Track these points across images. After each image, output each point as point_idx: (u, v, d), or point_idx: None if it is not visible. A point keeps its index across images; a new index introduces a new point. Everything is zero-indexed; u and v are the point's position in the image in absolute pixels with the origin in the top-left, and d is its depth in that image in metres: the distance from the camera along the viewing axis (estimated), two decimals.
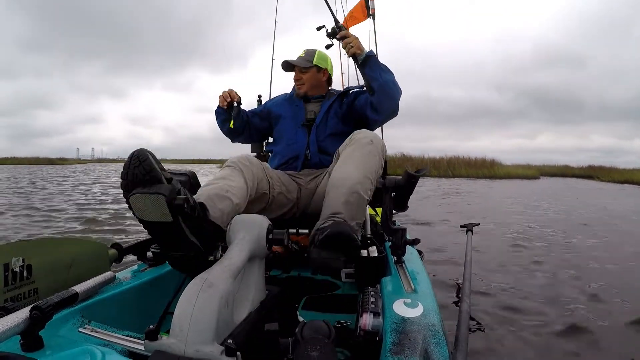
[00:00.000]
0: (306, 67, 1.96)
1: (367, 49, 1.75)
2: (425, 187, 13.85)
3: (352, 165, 1.42)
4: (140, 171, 0.94)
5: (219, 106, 1.89)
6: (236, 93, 1.85)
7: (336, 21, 1.79)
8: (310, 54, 1.99)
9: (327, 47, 1.94)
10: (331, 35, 1.79)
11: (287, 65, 2.01)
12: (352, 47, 1.71)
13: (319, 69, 1.99)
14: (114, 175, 21.18)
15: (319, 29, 1.88)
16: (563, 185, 18.48)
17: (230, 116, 1.88)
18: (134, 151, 0.96)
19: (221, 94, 1.86)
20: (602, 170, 29.03)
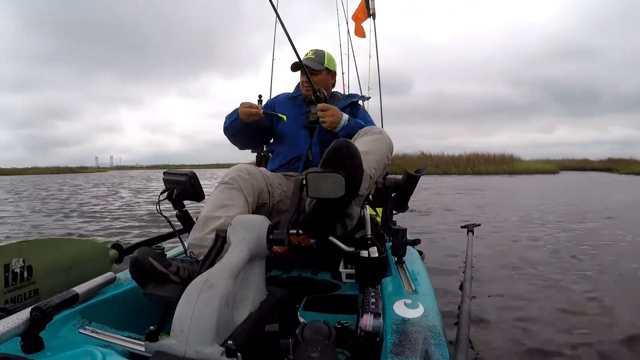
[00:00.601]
0: (318, 70, 1.93)
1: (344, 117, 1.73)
2: (451, 184, 13.89)
3: (359, 147, 1.42)
4: (146, 273, 1.01)
5: (241, 119, 1.80)
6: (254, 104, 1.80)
7: (314, 90, 1.77)
8: (320, 55, 1.96)
9: (310, 123, 1.87)
10: (309, 103, 1.79)
11: (297, 66, 1.94)
12: (324, 122, 1.70)
13: (328, 71, 1.98)
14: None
15: (306, 98, 1.84)
16: (584, 179, 18.04)
17: (251, 127, 1.84)
18: (134, 256, 1.01)
19: (245, 109, 1.77)
20: (622, 162, 28.26)
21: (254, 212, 1.49)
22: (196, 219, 1.73)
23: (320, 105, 1.71)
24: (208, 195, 1.51)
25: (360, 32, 3.58)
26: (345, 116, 1.75)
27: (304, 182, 1.16)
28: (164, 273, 1.02)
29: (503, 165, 24.66)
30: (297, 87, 2.08)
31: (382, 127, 2.83)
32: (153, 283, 1.02)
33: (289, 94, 2.10)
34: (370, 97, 2.96)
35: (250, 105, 1.77)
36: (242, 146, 2.06)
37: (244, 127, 1.82)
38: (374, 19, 3.35)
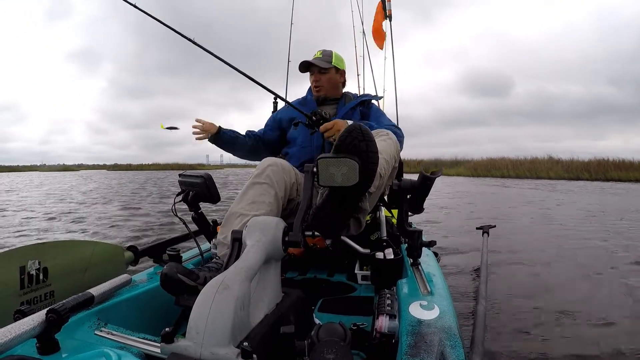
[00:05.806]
0: (325, 68, 1.93)
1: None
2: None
3: None
4: (177, 288, 1.06)
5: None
6: (201, 121, 1.86)
7: (314, 114, 1.70)
8: (327, 54, 1.97)
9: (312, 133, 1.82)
10: (310, 126, 1.73)
11: (305, 66, 1.97)
12: (332, 138, 1.62)
13: (337, 69, 1.97)
14: None
15: (308, 119, 1.77)
16: None
17: (223, 140, 1.91)
18: (163, 272, 1.06)
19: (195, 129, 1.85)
20: None
21: (284, 208, 1.48)
22: (212, 221, 1.73)
23: (322, 128, 1.63)
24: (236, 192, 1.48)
25: (380, 43, 3.54)
26: (349, 121, 1.70)
27: (315, 169, 1.08)
28: (192, 287, 1.06)
29: (634, 171, 22.28)
30: (309, 90, 2.08)
31: None
32: (185, 295, 1.06)
33: (299, 99, 2.10)
34: (382, 97, 2.94)
35: (200, 126, 1.86)
36: (249, 158, 2.14)
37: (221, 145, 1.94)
38: (390, 20, 3.35)
